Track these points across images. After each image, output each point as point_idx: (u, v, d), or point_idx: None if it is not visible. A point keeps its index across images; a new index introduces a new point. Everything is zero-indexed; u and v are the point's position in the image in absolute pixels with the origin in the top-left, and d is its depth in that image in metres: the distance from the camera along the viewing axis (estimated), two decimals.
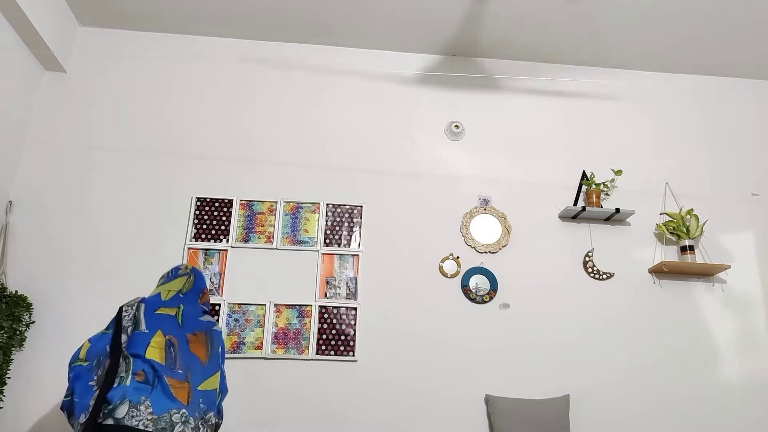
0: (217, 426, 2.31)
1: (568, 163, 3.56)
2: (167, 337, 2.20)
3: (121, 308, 2.29)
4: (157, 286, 2.42)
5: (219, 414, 2.32)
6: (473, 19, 3.36)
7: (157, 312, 2.25)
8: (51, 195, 3.20)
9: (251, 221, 3.25)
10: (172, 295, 2.33)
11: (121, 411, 1.99)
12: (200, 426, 2.17)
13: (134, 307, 2.27)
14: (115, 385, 2.06)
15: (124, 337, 2.20)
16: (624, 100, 3.73)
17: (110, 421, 1.98)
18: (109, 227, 3.17)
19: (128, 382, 2.06)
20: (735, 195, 3.59)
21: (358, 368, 3.06)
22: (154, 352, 2.15)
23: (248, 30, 3.53)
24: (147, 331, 2.18)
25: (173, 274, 2.44)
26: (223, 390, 2.36)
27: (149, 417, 2.01)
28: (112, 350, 2.19)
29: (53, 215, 3.16)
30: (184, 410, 2.10)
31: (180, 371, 2.17)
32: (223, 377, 2.35)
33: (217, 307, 3.06)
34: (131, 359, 2.12)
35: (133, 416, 1.99)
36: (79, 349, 2.22)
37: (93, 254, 3.12)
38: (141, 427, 1.99)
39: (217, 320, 3.02)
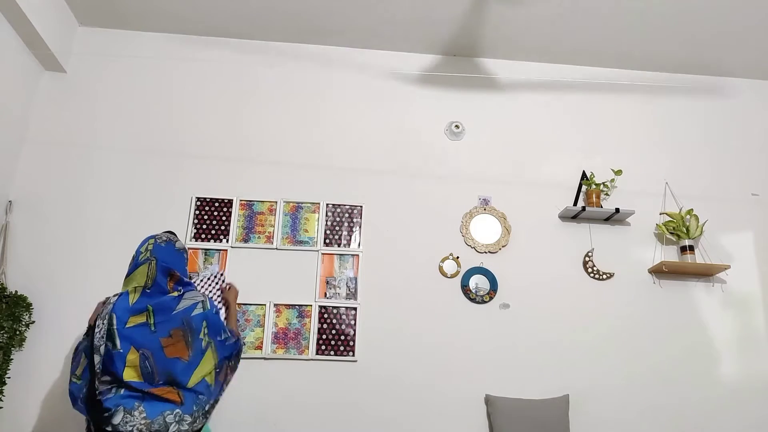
0: (236, 365, 2.41)
1: (568, 163, 3.56)
2: (140, 351, 2.16)
3: (95, 321, 2.25)
4: (126, 276, 2.32)
5: (237, 357, 2.40)
6: (473, 19, 3.36)
7: (128, 326, 2.19)
8: (51, 195, 3.20)
9: (251, 221, 3.25)
10: (139, 295, 2.24)
11: (117, 418, 2.06)
12: (199, 417, 2.20)
13: (106, 321, 2.22)
14: (111, 395, 2.11)
15: (97, 358, 2.19)
16: (624, 100, 3.73)
17: (109, 428, 2.05)
18: (109, 227, 3.17)
19: (122, 391, 2.11)
20: (735, 195, 3.59)
21: (358, 368, 3.06)
22: (130, 372, 2.15)
23: (248, 30, 3.53)
24: (121, 351, 2.16)
25: (134, 262, 2.32)
26: (230, 349, 2.35)
27: (143, 422, 2.07)
28: (90, 373, 2.22)
29: (53, 215, 3.16)
30: (177, 410, 2.13)
31: (161, 382, 2.17)
32: (220, 344, 2.30)
33: None
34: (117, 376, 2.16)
35: (127, 422, 2.05)
36: (77, 365, 2.24)
37: (93, 254, 3.12)
38: (135, 431, 2.05)
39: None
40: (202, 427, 2.22)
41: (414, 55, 3.70)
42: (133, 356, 2.15)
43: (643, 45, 3.55)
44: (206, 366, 2.24)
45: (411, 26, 3.45)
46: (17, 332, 2.84)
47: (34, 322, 2.95)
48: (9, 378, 2.84)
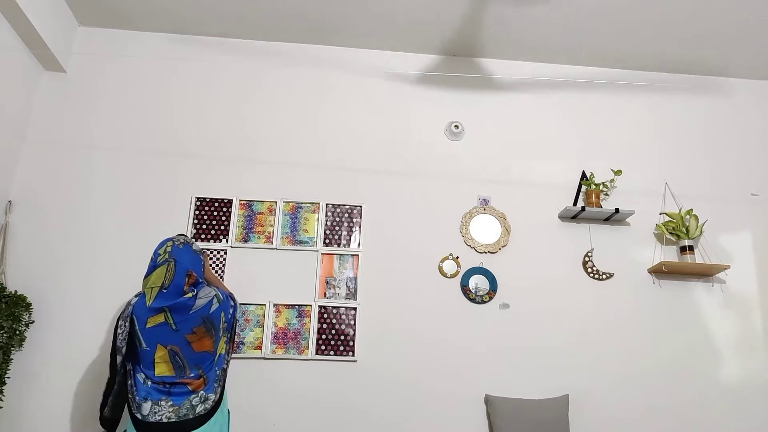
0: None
1: (567, 163, 3.56)
2: (168, 347, 2.27)
3: (117, 321, 2.35)
4: (144, 276, 2.38)
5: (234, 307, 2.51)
6: (473, 19, 3.36)
7: (149, 326, 2.28)
8: (51, 195, 3.20)
9: (251, 221, 3.25)
10: (156, 296, 2.30)
11: (145, 408, 2.21)
12: (219, 387, 2.36)
13: (127, 321, 2.32)
14: (140, 386, 2.26)
15: (119, 358, 2.31)
16: (624, 100, 3.73)
17: (138, 416, 2.22)
18: (109, 227, 3.17)
19: (149, 384, 2.25)
20: (735, 195, 3.59)
21: (357, 368, 3.06)
22: (161, 367, 2.27)
23: (248, 30, 3.53)
24: (148, 348, 2.28)
25: (152, 264, 2.37)
26: (233, 314, 2.48)
27: (170, 410, 2.22)
28: (111, 370, 2.36)
29: (53, 215, 3.16)
30: (201, 392, 2.28)
31: (191, 374, 2.29)
32: (230, 320, 2.45)
33: None
34: (144, 374, 2.30)
35: (155, 412, 2.21)
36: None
37: (93, 254, 3.12)
38: (164, 420, 2.20)
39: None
40: (222, 393, 2.37)
41: (414, 55, 3.70)
42: (161, 352, 2.27)
43: (643, 45, 3.55)
44: (222, 344, 2.40)
45: (411, 26, 3.45)
46: (17, 332, 2.84)
47: (33, 321, 2.95)
48: (9, 378, 2.84)
